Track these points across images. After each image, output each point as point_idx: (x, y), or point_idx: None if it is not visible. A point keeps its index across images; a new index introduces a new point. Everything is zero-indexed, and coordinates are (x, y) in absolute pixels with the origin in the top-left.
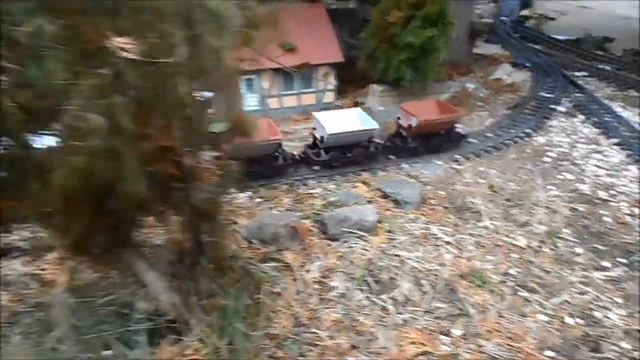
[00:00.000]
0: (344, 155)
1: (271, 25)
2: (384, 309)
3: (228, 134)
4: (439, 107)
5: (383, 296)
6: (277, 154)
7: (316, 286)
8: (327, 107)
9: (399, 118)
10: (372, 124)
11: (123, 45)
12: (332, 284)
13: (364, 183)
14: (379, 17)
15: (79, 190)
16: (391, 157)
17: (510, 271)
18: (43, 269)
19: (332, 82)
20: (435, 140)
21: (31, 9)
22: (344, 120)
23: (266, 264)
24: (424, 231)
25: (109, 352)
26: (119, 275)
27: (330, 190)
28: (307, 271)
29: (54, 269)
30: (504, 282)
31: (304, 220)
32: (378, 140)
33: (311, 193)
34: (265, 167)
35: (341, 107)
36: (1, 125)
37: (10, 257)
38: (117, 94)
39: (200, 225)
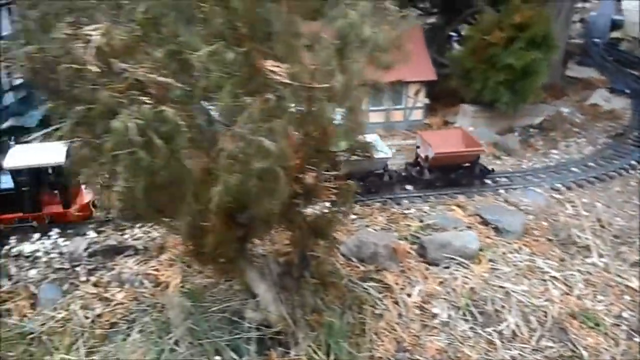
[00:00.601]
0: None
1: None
2: (490, 342)
3: (349, 152)
4: (463, 139)
5: (489, 329)
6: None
7: (417, 311)
8: (415, 125)
9: (417, 147)
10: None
11: (278, 70)
12: (434, 310)
13: (460, 207)
14: (478, 37)
15: (225, 205)
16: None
17: (624, 314)
18: (156, 270)
19: (422, 100)
20: (455, 174)
21: (208, 36)
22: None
23: (366, 284)
24: (528, 263)
25: (218, 358)
26: (230, 284)
27: (425, 212)
28: (408, 295)
29: (166, 270)
30: (617, 325)
31: (401, 241)
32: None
33: (405, 213)
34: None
35: (430, 126)
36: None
37: (125, 256)
38: (277, 117)
39: (309, 240)
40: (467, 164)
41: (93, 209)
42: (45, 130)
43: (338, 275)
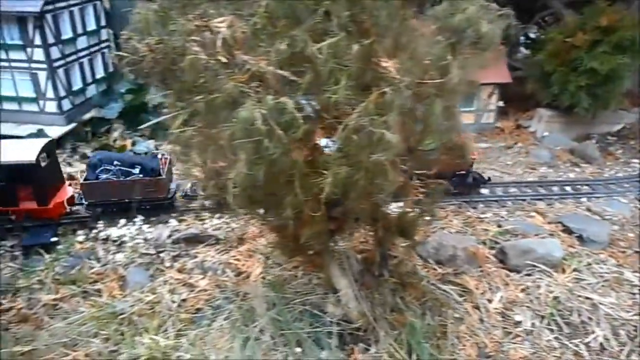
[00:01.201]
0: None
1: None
2: (577, 354)
3: (442, 152)
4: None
5: (575, 340)
6: (468, 172)
7: (499, 317)
8: (486, 127)
9: None
10: None
11: (392, 64)
12: (517, 318)
13: (539, 213)
14: (560, 39)
15: (330, 197)
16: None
17: None
18: (237, 259)
19: (495, 102)
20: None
21: (332, 29)
22: None
23: (445, 286)
24: (615, 275)
25: (299, 350)
26: (309, 278)
27: (502, 217)
28: (489, 300)
29: (246, 260)
30: None
31: (480, 246)
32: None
33: (482, 217)
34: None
35: (502, 130)
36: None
37: (206, 245)
38: (390, 111)
39: (391, 239)
40: (460, 172)
41: (67, 207)
42: (154, 120)
43: (417, 276)
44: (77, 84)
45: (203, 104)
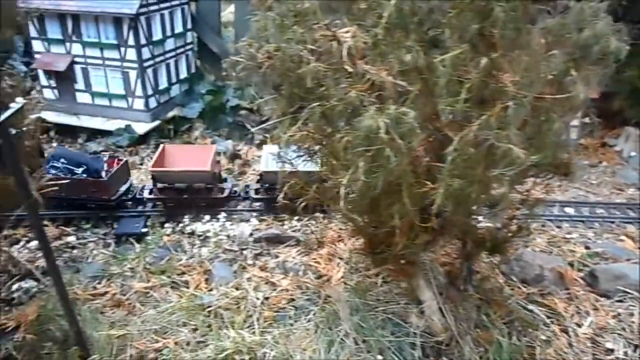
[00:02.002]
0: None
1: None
2: None
3: (545, 169)
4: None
5: None
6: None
7: (588, 343)
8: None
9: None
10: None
11: (513, 78)
12: (608, 345)
13: (630, 237)
14: None
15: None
16: None
17: None
18: (317, 262)
19: (579, 118)
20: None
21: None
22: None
23: (531, 306)
24: None
25: (381, 358)
26: (389, 286)
27: (589, 239)
28: (578, 325)
29: (326, 264)
30: None
31: (567, 267)
32: None
33: (567, 238)
34: None
35: (585, 147)
36: None
37: (287, 245)
38: (512, 125)
39: (479, 254)
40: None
41: None
42: (265, 124)
43: (503, 293)
44: (163, 84)
45: (319, 111)
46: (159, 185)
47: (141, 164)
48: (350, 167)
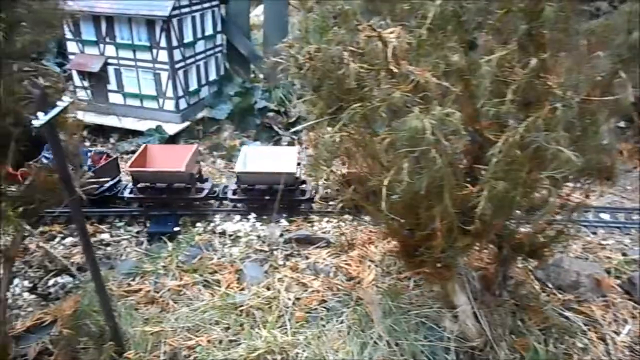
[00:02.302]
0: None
1: None
2: None
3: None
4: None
5: None
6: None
7: (627, 352)
8: None
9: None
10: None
11: (559, 80)
12: None
13: None
14: None
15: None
16: None
17: None
18: (348, 264)
19: (614, 121)
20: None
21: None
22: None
23: (567, 313)
24: None
25: None
26: (421, 290)
27: (626, 245)
28: (616, 332)
29: (357, 266)
30: None
31: (604, 274)
32: None
33: (603, 244)
34: None
35: (619, 152)
36: None
37: (317, 247)
38: (560, 128)
39: (515, 258)
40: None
41: None
42: (303, 125)
43: (538, 299)
44: (193, 85)
45: (360, 111)
46: (140, 184)
47: None
48: (392, 169)
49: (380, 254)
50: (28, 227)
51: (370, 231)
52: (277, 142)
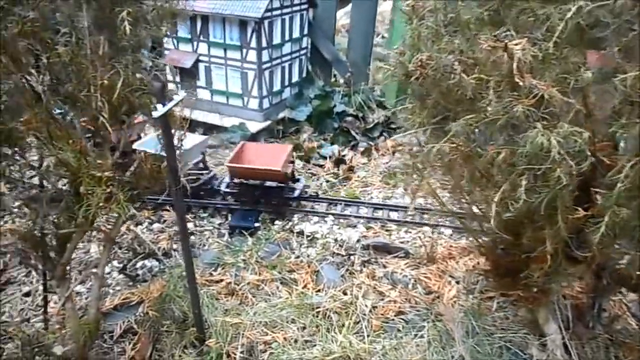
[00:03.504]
0: None
1: None
2: None
3: None
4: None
5: None
6: None
7: None
8: None
9: None
10: None
11: None
12: None
13: None
14: None
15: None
16: None
17: None
18: (427, 277)
19: None
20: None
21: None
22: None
23: None
24: None
25: None
26: (505, 313)
27: None
28: None
29: (436, 280)
30: None
31: None
32: None
33: None
34: None
35: None
36: None
37: (395, 256)
38: None
39: (614, 290)
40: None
41: None
42: (402, 134)
43: (634, 336)
44: (277, 86)
45: (474, 124)
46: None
47: None
48: (502, 185)
49: (462, 270)
50: (134, 212)
51: (451, 246)
52: (354, 147)
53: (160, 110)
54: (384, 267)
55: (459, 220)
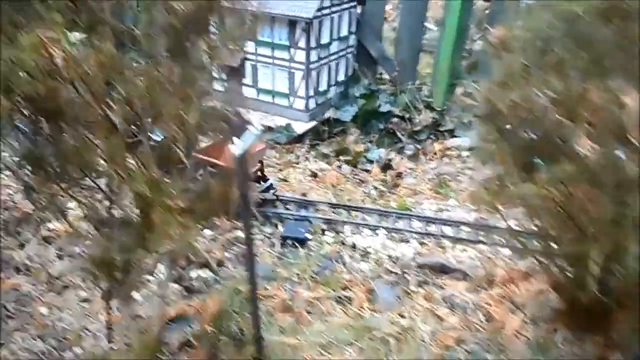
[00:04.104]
0: None
1: None
2: None
3: None
4: None
5: None
6: None
7: None
8: None
9: None
10: None
11: None
12: None
13: None
14: None
15: None
16: None
17: None
18: (488, 303)
19: None
20: None
21: None
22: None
23: None
24: None
25: None
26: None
27: None
28: None
29: (497, 307)
30: None
31: None
32: None
33: None
34: None
35: None
36: None
37: (452, 277)
38: None
39: None
40: None
41: None
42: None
43: None
44: (323, 86)
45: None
46: None
47: (297, 163)
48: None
49: (525, 297)
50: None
51: (512, 268)
52: (400, 150)
53: (240, 146)
54: (442, 288)
55: (521, 244)
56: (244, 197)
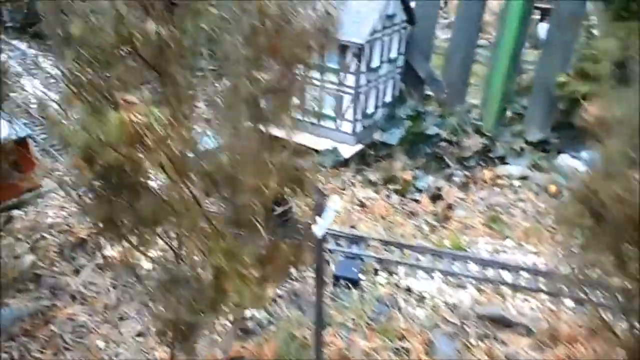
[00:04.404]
0: None
1: None
2: None
3: None
4: None
5: None
6: None
7: None
8: None
9: None
10: None
11: None
12: None
13: None
14: None
15: None
16: None
17: None
18: None
19: None
20: None
21: None
22: None
23: None
24: None
25: None
26: None
27: None
28: None
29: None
30: None
31: None
32: None
33: None
34: None
35: None
36: None
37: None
38: None
39: None
40: None
41: None
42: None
43: None
44: (370, 108)
45: None
46: None
47: (343, 189)
48: None
49: (591, 357)
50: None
51: (580, 325)
52: (449, 177)
53: (321, 227)
54: (504, 344)
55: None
56: (318, 271)
